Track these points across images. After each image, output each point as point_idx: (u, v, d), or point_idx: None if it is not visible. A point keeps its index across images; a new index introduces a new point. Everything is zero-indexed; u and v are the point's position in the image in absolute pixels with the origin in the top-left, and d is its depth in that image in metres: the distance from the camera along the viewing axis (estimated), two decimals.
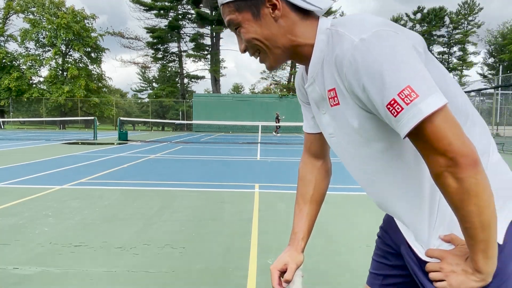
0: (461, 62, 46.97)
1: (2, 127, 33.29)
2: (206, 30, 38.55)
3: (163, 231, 3.56)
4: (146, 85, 51.92)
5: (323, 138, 1.07)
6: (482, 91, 22.97)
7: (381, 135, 0.83)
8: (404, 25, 46.80)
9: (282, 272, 1.06)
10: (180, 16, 38.38)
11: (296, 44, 0.87)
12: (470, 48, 47.53)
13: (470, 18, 45.72)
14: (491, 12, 76.08)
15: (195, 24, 38.78)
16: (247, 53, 0.93)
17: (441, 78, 0.82)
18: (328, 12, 30.44)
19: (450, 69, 47.22)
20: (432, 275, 0.82)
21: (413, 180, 0.85)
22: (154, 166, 8.17)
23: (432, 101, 0.69)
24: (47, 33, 35.62)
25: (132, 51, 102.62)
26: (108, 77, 55.77)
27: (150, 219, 3.97)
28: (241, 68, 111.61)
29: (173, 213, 4.23)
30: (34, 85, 36.94)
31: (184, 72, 41.44)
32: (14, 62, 36.10)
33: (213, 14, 36.44)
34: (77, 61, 38.18)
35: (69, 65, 36.75)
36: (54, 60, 36.58)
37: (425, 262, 0.85)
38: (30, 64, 36.52)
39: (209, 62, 39.29)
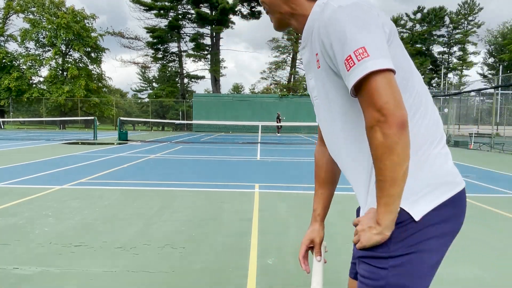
0: (461, 62, 46.96)
1: (2, 127, 33.28)
2: (206, 30, 38.57)
3: (163, 231, 3.56)
4: (146, 85, 51.96)
5: None
6: (482, 91, 22.95)
7: (340, 100, 0.95)
8: (404, 25, 46.82)
9: (309, 248, 1.23)
10: (180, 16, 38.36)
11: (295, 13, 1.02)
12: (470, 48, 47.58)
13: (470, 18, 45.72)
14: (491, 12, 76.12)
15: (195, 24, 38.77)
16: (247, 53, 1.04)
17: (406, 64, 0.95)
18: None
19: (450, 69, 47.23)
20: (353, 239, 0.95)
21: (360, 148, 0.96)
22: (154, 166, 8.17)
23: (379, 62, 0.81)
24: (47, 33, 35.57)
25: (132, 51, 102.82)
26: (108, 77, 55.68)
27: (150, 219, 3.97)
28: (241, 68, 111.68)
29: (173, 213, 4.23)
30: (34, 85, 36.86)
31: (184, 72, 41.44)
32: (14, 62, 36.02)
33: (213, 14, 36.44)
34: (77, 61, 38.14)
35: (69, 65, 36.69)
36: (54, 60, 36.52)
37: None
38: (30, 64, 36.46)
39: (209, 62, 39.30)
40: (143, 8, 37.53)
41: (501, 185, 6.50)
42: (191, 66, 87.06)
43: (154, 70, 49.46)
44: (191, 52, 39.36)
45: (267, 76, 46.95)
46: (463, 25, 46.30)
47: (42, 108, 36.65)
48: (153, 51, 40.06)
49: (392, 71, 0.82)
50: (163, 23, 38.36)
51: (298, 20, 1.02)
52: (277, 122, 25.57)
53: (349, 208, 4.41)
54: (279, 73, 46.21)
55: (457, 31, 46.53)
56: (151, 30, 37.85)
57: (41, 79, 37.91)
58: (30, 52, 37.04)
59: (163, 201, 4.80)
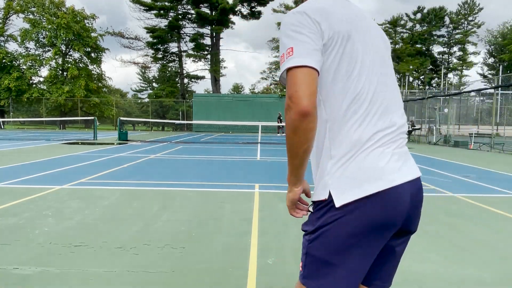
0: (461, 62, 46.95)
1: (2, 127, 33.27)
2: (206, 30, 38.56)
3: (163, 231, 3.56)
4: (146, 85, 51.99)
5: None
6: (482, 91, 22.95)
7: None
8: (404, 25, 46.82)
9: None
10: (180, 16, 38.33)
11: None
12: (470, 48, 47.58)
13: (470, 18, 45.71)
14: (491, 12, 76.05)
15: (195, 24, 38.75)
16: (247, 53, 1.14)
17: (349, 68, 1.08)
18: None
19: (450, 69, 47.22)
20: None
21: (319, 133, 1.12)
22: (154, 166, 8.17)
23: (298, 60, 1.01)
24: (47, 33, 35.55)
25: (132, 51, 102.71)
26: (108, 77, 55.72)
27: (150, 219, 3.97)
28: (241, 68, 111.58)
29: (173, 213, 4.23)
30: (34, 85, 36.85)
31: (184, 72, 41.40)
32: (14, 62, 36.00)
33: (213, 14, 36.43)
34: (77, 61, 38.11)
35: (69, 65, 36.67)
36: (54, 60, 36.50)
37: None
38: (30, 64, 36.42)
39: (209, 62, 39.27)
40: (143, 8, 37.49)
41: (501, 185, 6.50)
42: (191, 66, 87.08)
43: (154, 70, 49.52)
44: (191, 52, 39.34)
45: (267, 76, 46.99)
46: (463, 25, 46.30)
47: (42, 108, 36.64)
48: (153, 51, 40.02)
49: (311, 68, 1.01)
50: (163, 23, 38.36)
51: None
52: (278, 122, 25.63)
53: None
54: (279, 73, 46.17)
55: (457, 31, 46.52)
56: (151, 30, 37.82)
57: (41, 79, 37.92)
58: (30, 52, 37.02)
59: (163, 201, 4.80)
